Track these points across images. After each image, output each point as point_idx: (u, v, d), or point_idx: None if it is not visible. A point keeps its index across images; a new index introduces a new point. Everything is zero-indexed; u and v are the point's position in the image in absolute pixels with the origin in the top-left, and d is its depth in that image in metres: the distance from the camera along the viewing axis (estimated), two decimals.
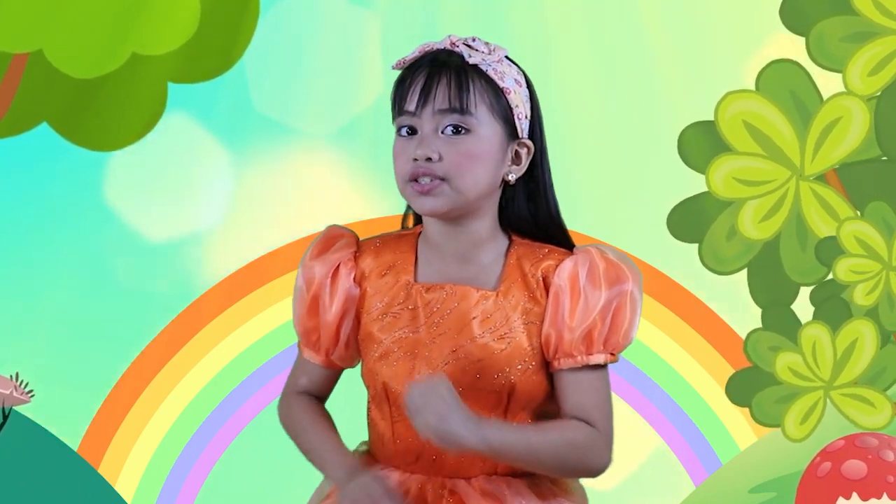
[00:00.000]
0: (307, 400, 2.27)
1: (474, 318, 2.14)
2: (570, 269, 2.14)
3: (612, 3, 3.59)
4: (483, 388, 2.12)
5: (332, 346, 2.22)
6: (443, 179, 2.10)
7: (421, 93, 2.11)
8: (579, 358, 2.12)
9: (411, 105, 2.12)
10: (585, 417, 2.12)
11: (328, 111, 3.61)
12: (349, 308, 2.20)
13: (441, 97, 2.11)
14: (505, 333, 2.13)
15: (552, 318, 2.13)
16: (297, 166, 3.62)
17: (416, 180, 2.11)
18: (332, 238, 2.23)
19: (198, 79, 3.56)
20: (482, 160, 2.12)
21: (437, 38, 2.18)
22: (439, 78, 2.11)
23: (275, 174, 3.62)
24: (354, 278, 2.20)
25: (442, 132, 2.11)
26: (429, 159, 2.10)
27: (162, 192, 3.62)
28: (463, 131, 2.11)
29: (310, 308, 2.22)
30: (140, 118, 3.56)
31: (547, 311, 2.13)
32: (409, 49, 2.19)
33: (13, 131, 3.56)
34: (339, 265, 2.20)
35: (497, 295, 2.15)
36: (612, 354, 2.14)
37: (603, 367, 2.15)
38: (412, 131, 2.13)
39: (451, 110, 2.11)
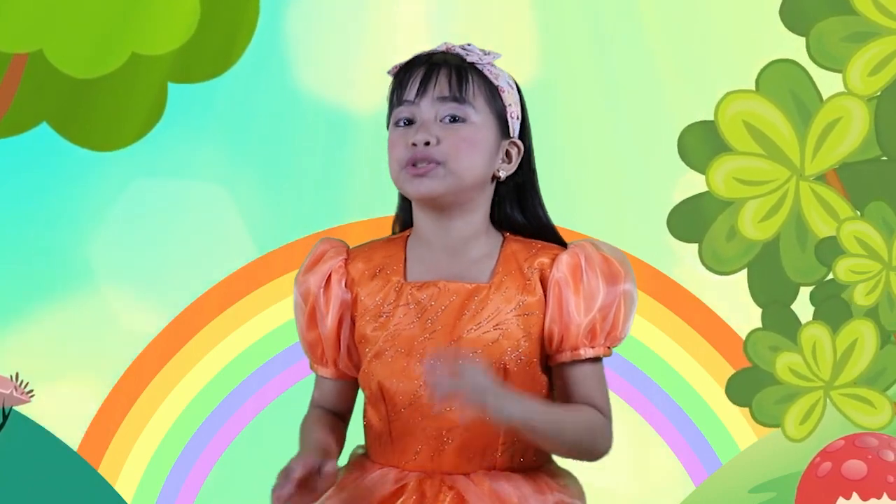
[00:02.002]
0: (317, 411, 2.28)
1: (466, 312, 2.15)
2: (569, 261, 2.16)
3: (612, 2, 3.59)
4: None
5: (336, 354, 2.23)
6: (439, 163, 2.12)
7: (421, 82, 2.15)
8: (582, 351, 2.15)
9: (410, 94, 2.15)
10: (595, 406, 2.16)
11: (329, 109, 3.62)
12: (345, 314, 2.21)
13: (441, 86, 2.14)
14: (497, 324, 2.15)
15: (556, 313, 2.15)
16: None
17: (412, 165, 2.13)
18: (323, 251, 2.25)
19: (197, 79, 3.56)
20: (478, 147, 2.15)
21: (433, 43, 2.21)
22: (439, 70, 2.15)
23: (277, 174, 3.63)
24: (346, 284, 2.21)
25: (440, 120, 2.14)
26: (427, 143, 2.12)
27: (162, 193, 3.63)
28: (461, 120, 2.14)
29: (309, 321, 2.23)
30: (140, 118, 3.56)
31: (548, 305, 2.15)
32: (414, 48, 2.21)
33: (13, 131, 3.56)
34: (330, 274, 2.21)
35: (490, 287, 2.16)
36: (608, 348, 2.18)
37: (600, 359, 2.19)
38: (409, 122, 2.16)
39: (452, 98, 2.14)
